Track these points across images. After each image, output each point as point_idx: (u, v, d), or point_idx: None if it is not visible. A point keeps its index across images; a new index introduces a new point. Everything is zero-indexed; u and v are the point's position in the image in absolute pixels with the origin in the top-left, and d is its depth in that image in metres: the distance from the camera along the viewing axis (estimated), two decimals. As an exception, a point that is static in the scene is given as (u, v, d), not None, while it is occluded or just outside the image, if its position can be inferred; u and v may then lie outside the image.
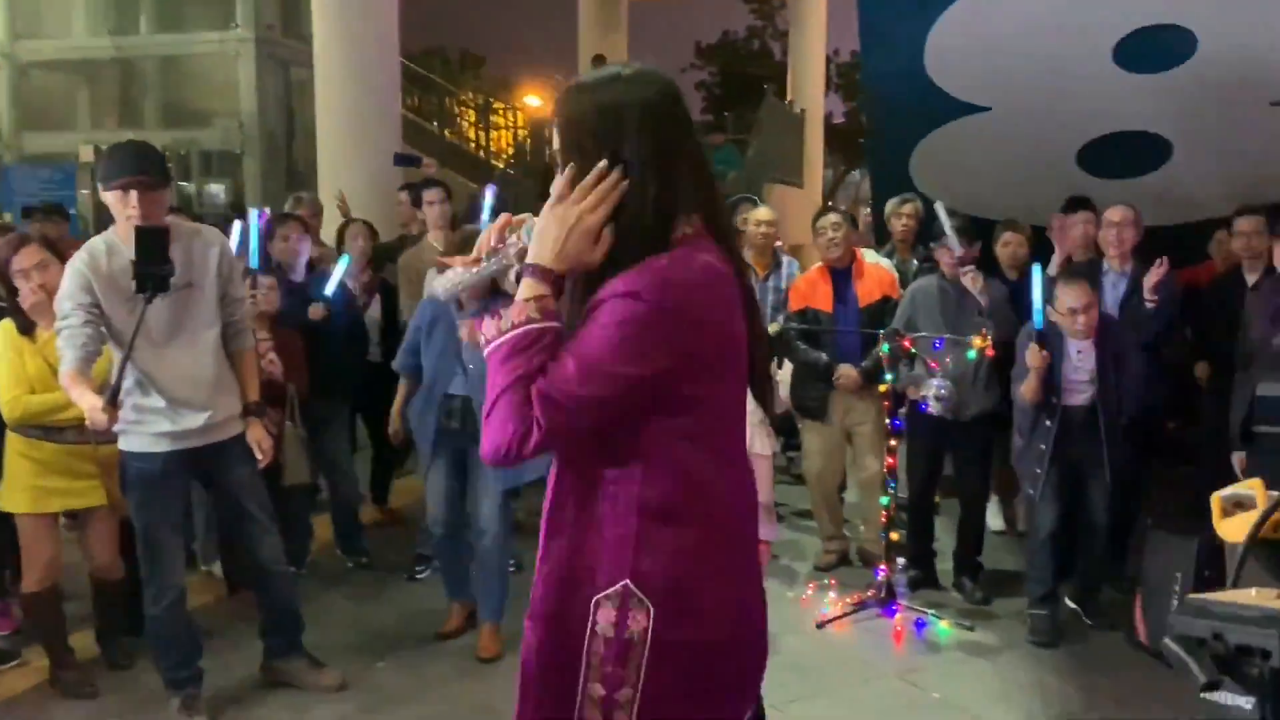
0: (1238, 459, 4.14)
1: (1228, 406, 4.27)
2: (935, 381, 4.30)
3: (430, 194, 5.16)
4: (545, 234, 1.59)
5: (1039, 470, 4.21)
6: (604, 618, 1.60)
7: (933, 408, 4.32)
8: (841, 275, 4.96)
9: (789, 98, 15.25)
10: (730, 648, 1.70)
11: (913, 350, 4.37)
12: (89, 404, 2.91)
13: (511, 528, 4.25)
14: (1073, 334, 4.11)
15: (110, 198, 3.14)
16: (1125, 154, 6.52)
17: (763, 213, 5.92)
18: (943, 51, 6.38)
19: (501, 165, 17.29)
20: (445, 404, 4.05)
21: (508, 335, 1.56)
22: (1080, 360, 4.15)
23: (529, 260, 1.61)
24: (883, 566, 4.49)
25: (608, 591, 1.60)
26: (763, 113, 13.15)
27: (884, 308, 4.83)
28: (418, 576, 4.94)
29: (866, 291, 4.92)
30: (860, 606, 4.44)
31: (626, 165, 1.59)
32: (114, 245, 3.22)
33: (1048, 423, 4.17)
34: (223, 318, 3.39)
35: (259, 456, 3.44)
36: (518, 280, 1.67)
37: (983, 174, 6.79)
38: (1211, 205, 6.20)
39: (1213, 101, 6.10)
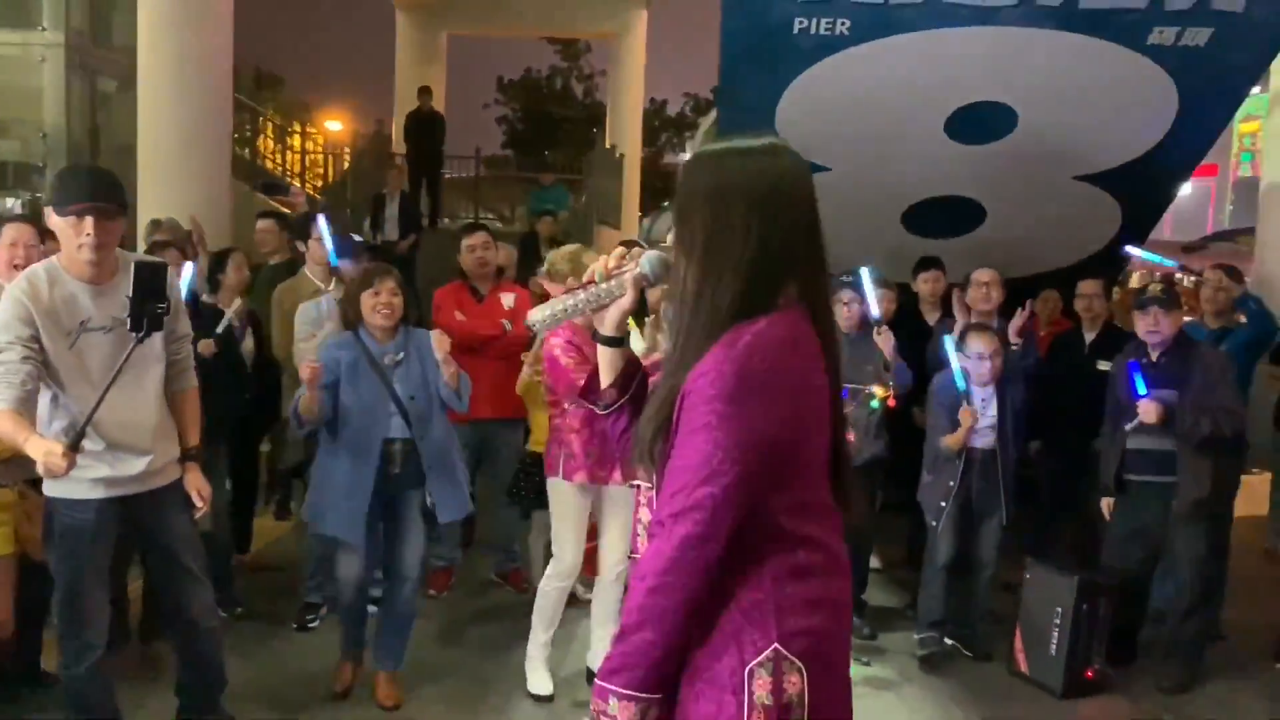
0: (1106, 504, 4.62)
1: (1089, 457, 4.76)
2: (842, 428, 4.55)
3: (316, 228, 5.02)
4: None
5: (943, 504, 4.54)
6: (760, 686, 1.62)
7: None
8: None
9: (608, 141, 15.59)
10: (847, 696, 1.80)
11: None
12: (43, 449, 2.67)
13: (424, 577, 4.16)
14: (979, 379, 4.49)
15: (61, 223, 2.91)
16: (944, 216, 7.11)
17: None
18: (793, 113, 6.77)
19: (299, 186, 16.74)
20: (385, 450, 3.89)
21: None
22: (983, 406, 4.52)
23: None
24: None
25: (760, 659, 1.62)
26: (594, 156, 13.40)
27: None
28: (309, 626, 4.73)
29: None
30: (764, 646, 4.60)
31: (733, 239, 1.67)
32: (56, 274, 2.97)
33: (956, 461, 4.51)
34: (166, 355, 3.20)
35: (199, 505, 3.24)
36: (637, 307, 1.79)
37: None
38: (1018, 266, 6.76)
39: (1023, 173, 6.75)
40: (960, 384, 4.49)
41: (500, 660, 4.48)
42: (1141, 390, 4.27)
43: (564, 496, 4.06)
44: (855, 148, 6.75)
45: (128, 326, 2.79)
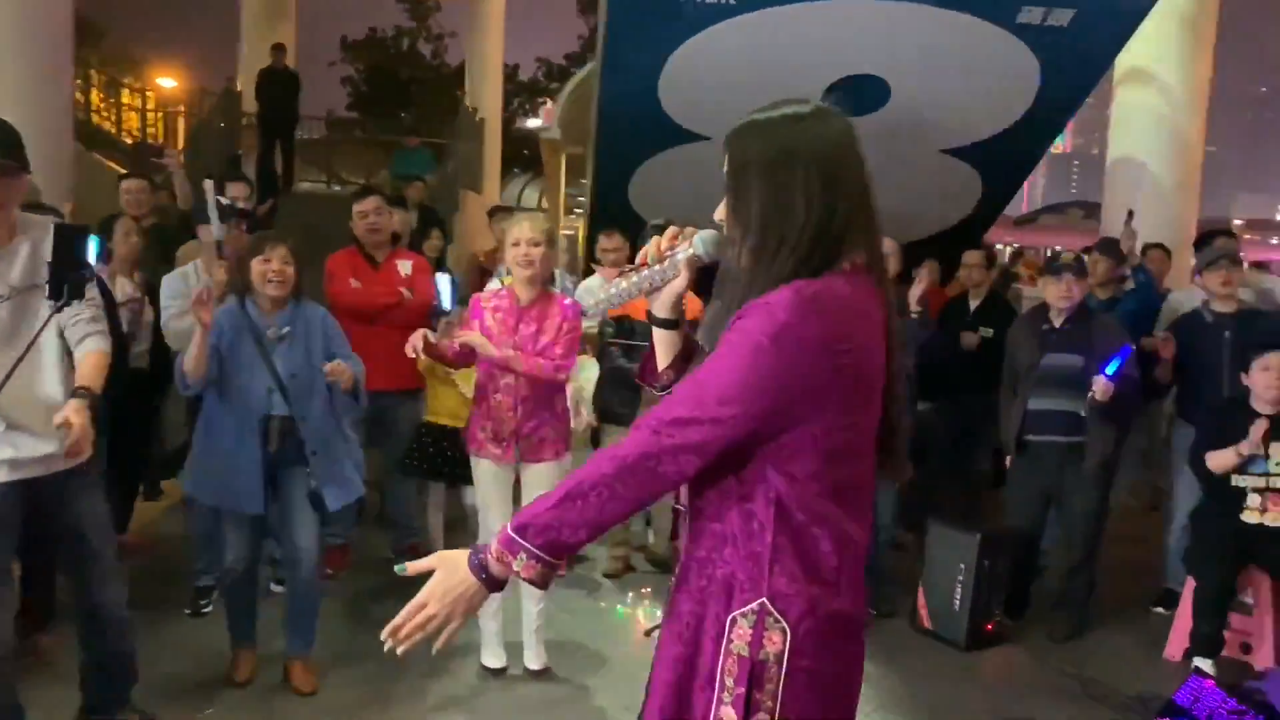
0: (1009, 463, 4.83)
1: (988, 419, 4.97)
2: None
3: (236, 188, 4.71)
4: None
5: None
6: (738, 635, 1.61)
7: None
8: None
9: (469, 104, 15.23)
10: (857, 665, 1.80)
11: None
12: None
13: (322, 557, 4.01)
14: None
15: (-48, 183, 2.63)
16: None
17: (529, 227, 5.94)
18: (676, 80, 6.81)
19: (132, 144, 15.75)
20: (264, 427, 3.70)
21: None
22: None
23: None
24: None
25: (743, 609, 1.61)
26: (460, 120, 13.07)
27: (695, 322, 5.11)
28: (203, 611, 4.49)
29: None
30: (680, 611, 4.64)
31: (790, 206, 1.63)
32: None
33: None
34: (72, 325, 2.94)
35: (66, 441, 2.79)
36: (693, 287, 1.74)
37: (693, 197, 7.23)
38: (886, 233, 6.99)
39: (894, 145, 6.96)
40: None
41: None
42: (1111, 370, 4.36)
43: (481, 472, 4.02)
44: (734, 118, 6.80)
45: (46, 294, 2.55)
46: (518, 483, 4.05)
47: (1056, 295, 4.63)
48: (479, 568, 1.60)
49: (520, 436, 3.91)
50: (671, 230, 1.76)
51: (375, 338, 4.66)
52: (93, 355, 2.97)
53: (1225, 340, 4.76)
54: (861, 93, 6.81)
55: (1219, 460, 4.23)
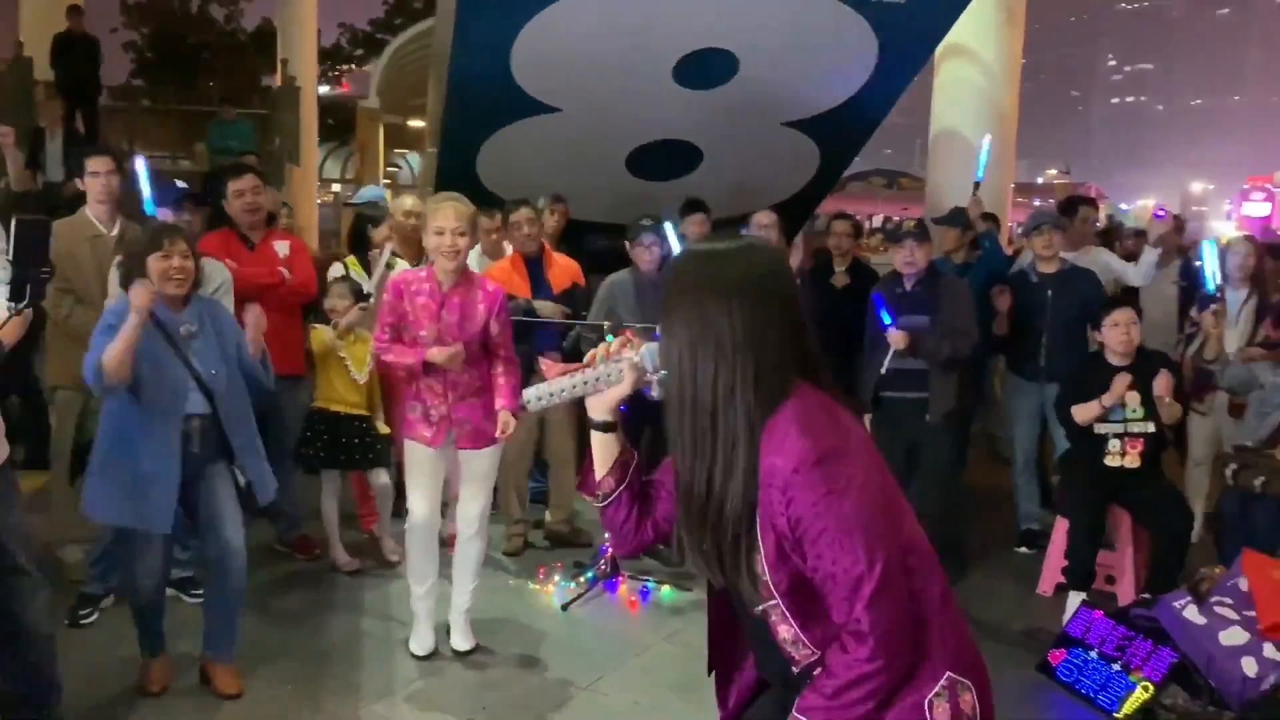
0: (867, 419, 5.10)
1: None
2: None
3: (98, 162, 4.34)
4: None
5: None
6: (940, 714, 1.66)
7: (656, 392, 4.68)
8: (534, 264, 5.19)
9: (280, 73, 14.53)
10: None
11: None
12: None
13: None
14: None
15: None
16: (665, 159, 7.42)
17: (411, 203, 5.82)
18: (528, 53, 6.77)
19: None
20: (185, 426, 3.52)
21: None
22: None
23: None
24: (607, 543, 4.79)
25: (936, 690, 1.67)
26: (280, 90, 12.47)
27: (574, 294, 5.15)
28: (83, 622, 4.21)
29: (558, 279, 5.20)
30: (593, 584, 4.70)
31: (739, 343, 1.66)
32: None
33: None
34: None
35: None
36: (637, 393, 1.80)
37: (542, 170, 7.28)
38: (727, 207, 7.15)
39: (740, 118, 7.17)
40: None
41: (323, 632, 4.26)
42: (886, 320, 4.70)
43: (413, 454, 3.99)
44: (587, 90, 6.84)
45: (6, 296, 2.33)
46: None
47: (901, 261, 4.93)
48: None
49: (453, 422, 3.87)
50: (621, 339, 1.80)
51: (256, 322, 4.47)
52: None
53: (1048, 299, 5.21)
54: (712, 66, 6.95)
55: (1085, 413, 4.61)
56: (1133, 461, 4.60)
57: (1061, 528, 4.79)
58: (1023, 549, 5.43)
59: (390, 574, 4.89)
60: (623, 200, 7.35)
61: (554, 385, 1.79)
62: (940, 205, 9.38)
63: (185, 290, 3.52)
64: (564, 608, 4.53)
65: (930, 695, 1.66)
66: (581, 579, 4.76)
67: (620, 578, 4.76)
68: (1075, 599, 4.50)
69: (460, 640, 4.07)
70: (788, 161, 8.22)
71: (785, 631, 1.70)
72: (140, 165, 4.61)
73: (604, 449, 1.86)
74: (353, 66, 24.83)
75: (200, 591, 4.42)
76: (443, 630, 4.11)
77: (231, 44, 26.89)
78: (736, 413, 1.64)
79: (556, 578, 4.82)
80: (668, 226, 5.17)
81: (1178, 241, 6.95)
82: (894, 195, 25.75)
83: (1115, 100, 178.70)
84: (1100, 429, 4.65)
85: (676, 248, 5.03)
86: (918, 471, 5.01)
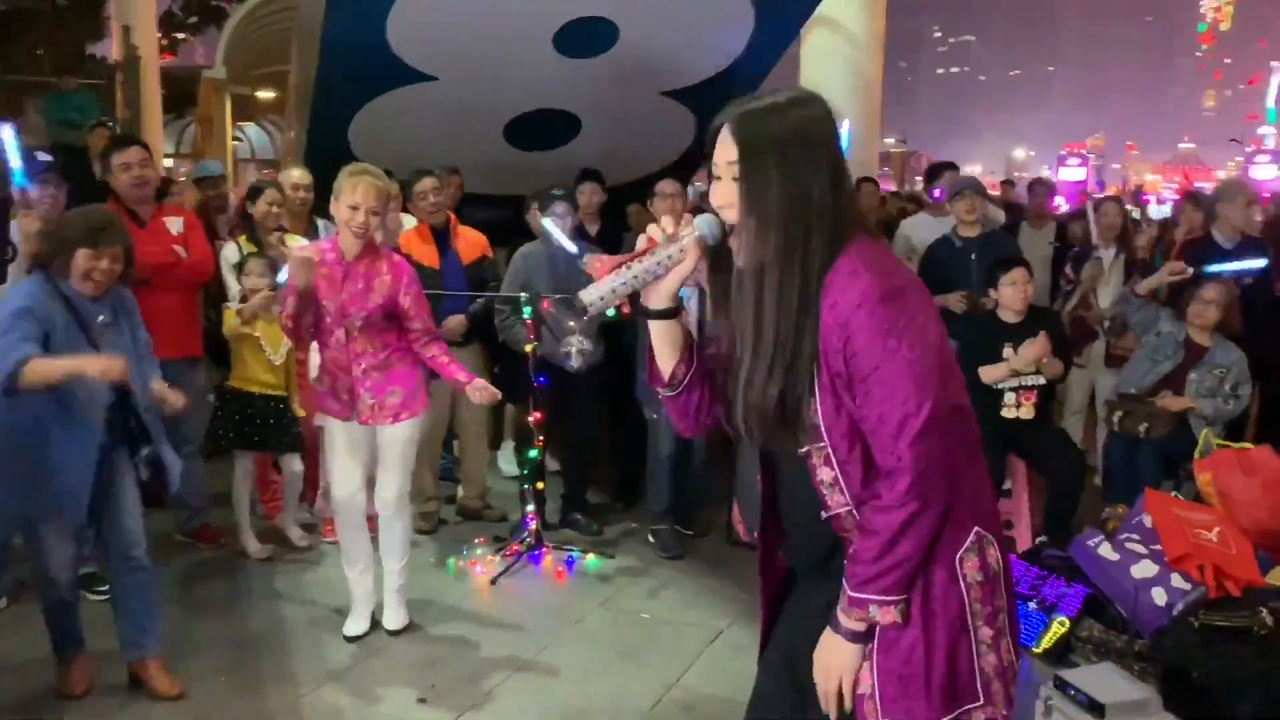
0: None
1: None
2: (575, 338, 4.69)
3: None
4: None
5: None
6: (972, 568, 1.73)
7: (575, 363, 4.70)
8: (441, 235, 5.11)
9: (122, 41, 13.65)
10: None
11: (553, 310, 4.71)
12: None
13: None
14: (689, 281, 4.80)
15: None
16: (543, 129, 7.40)
17: (299, 175, 5.63)
18: (405, 20, 6.62)
19: None
20: (106, 416, 3.36)
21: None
22: (688, 303, 4.86)
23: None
24: (531, 515, 4.77)
25: (966, 545, 1.73)
26: (125, 55, 11.72)
27: (481, 265, 5.09)
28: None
29: (466, 251, 5.13)
30: (518, 557, 4.68)
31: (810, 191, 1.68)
32: None
33: None
34: None
35: None
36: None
37: (417, 140, 7.18)
38: (606, 175, 7.18)
39: (619, 87, 7.20)
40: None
41: (245, 621, 4.13)
42: None
43: (330, 432, 3.92)
44: (466, 59, 6.74)
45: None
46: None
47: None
48: (848, 633, 1.74)
49: (357, 396, 3.78)
50: (670, 215, 1.77)
51: (153, 303, 4.24)
52: None
53: (972, 262, 5.43)
54: (592, 34, 6.92)
55: (993, 373, 4.81)
56: (1027, 413, 4.86)
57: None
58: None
59: (304, 559, 4.77)
60: (500, 171, 7.28)
61: (614, 281, 1.68)
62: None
63: (101, 291, 3.35)
64: (492, 582, 4.50)
65: (960, 551, 1.72)
66: (505, 553, 4.73)
67: (544, 549, 4.75)
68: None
69: (393, 620, 4.01)
70: (666, 131, 8.26)
71: (826, 474, 1.73)
72: (8, 134, 4.28)
73: (670, 337, 1.81)
74: (187, 36, 23.51)
75: (105, 588, 4.22)
76: (376, 612, 4.04)
77: (48, 10, 25.04)
78: (808, 260, 1.67)
79: (480, 553, 4.78)
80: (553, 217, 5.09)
81: (1049, 205, 7.34)
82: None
83: (941, 71, 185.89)
84: (997, 384, 4.89)
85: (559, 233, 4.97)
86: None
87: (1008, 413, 4.87)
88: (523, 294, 4.66)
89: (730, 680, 3.66)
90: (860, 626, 1.72)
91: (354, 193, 3.68)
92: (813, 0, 7.85)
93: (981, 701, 1.74)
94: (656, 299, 1.76)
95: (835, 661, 1.76)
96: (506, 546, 4.81)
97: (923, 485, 1.63)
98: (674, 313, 1.79)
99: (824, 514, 1.76)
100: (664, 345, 1.81)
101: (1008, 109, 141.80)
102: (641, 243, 1.75)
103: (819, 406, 1.70)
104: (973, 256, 5.45)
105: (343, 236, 3.79)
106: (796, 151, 1.68)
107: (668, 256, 1.70)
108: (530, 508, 4.78)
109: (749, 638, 3.95)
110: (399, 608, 4.02)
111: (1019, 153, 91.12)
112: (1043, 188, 7.47)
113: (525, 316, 4.66)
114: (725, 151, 1.71)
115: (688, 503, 5.13)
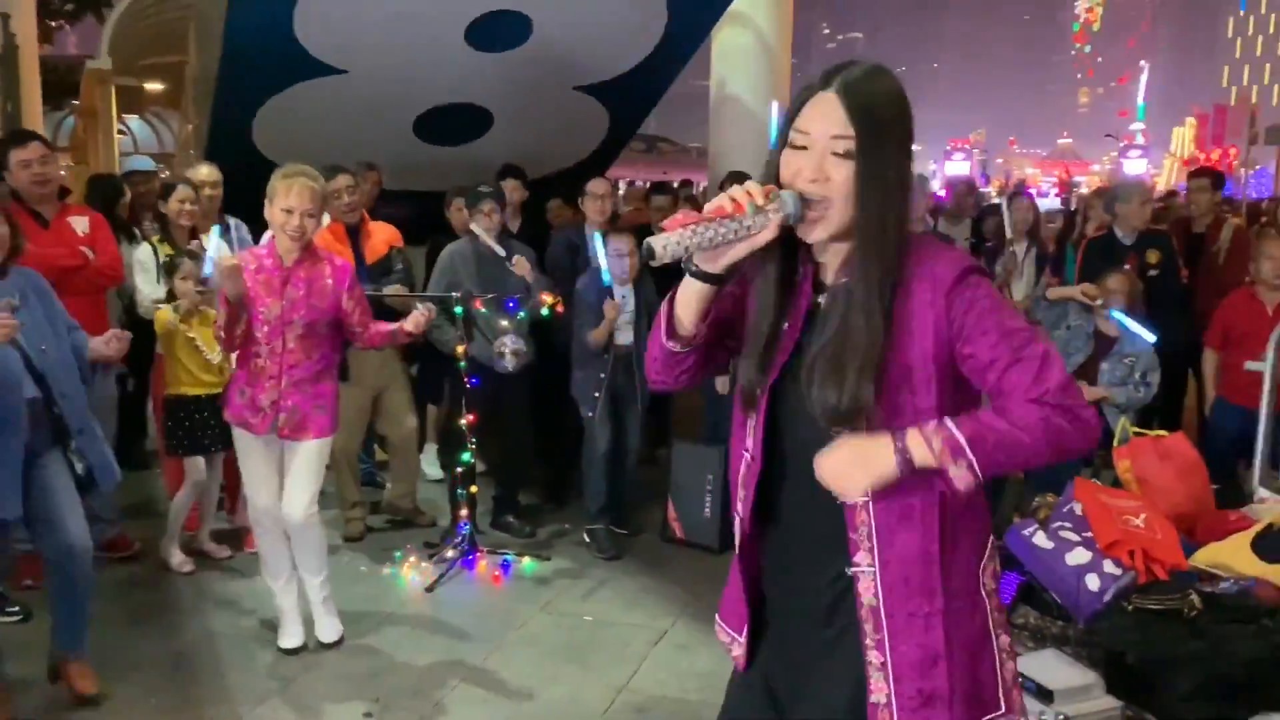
0: (721, 382, 5.25)
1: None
2: (508, 338, 4.61)
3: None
4: (851, 475, 1.61)
5: (596, 395, 4.82)
6: (990, 576, 1.73)
7: (508, 363, 4.62)
8: (354, 234, 4.99)
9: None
10: None
11: (484, 310, 4.62)
12: None
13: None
14: (620, 277, 4.78)
15: None
16: (454, 124, 7.34)
17: (207, 172, 5.42)
18: (313, 12, 6.47)
19: None
20: (30, 410, 3.21)
21: (969, 465, 1.57)
22: (624, 303, 4.83)
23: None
24: (465, 520, 4.68)
25: (988, 553, 1.72)
26: (4, 44, 11.08)
27: (388, 257, 4.97)
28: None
29: (374, 248, 5.01)
30: (453, 562, 4.59)
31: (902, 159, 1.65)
32: None
33: (605, 355, 4.79)
34: None
35: None
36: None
37: (324, 135, 7.05)
38: (528, 168, 7.13)
39: (532, 82, 7.18)
40: (607, 280, 4.77)
41: (174, 637, 3.96)
42: None
43: (241, 442, 3.79)
44: (375, 51, 6.63)
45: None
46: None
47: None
48: (903, 450, 1.57)
49: (280, 409, 3.66)
50: (764, 187, 1.65)
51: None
52: None
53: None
54: (505, 28, 6.85)
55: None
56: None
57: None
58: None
59: (228, 571, 4.60)
60: (410, 166, 7.18)
61: (687, 235, 1.58)
62: (726, 167, 9.67)
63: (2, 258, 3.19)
64: (428, 589, 4.41)
65: (984, 560, 1.72)
66: (438, 558, 4.64)
67: (479, 553, 4.67)
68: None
69: (326, 632, 3.89)
70: (578, 126, 8.25)
71: None
72: None
73: (706, 300, 1.71)
74: (62, 24, 22.47)
75: (15, 609, 4.03)
76: (307, 625, 3.91)
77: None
78: (900, 239, 1.63)
79: (412, 559, 4.68)
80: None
81: (970, 201, 7.51)
82: (654, 160, 26.29)
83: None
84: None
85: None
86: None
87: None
88: (454, 294, 4.56)
89: (679, 680, 3.66)
90: (924, 459, 1.57)
91: (288, 196, 3.55)
92: (721, 5, 7.93)
93: (1004, 710, 1.71)
94: (715, 262, 1.66)
95: (870, 465, 1.59)
96: (440, 552, 4.72)
97: (1057, 423, 1.58)
98: (724, 280, 1.72)
99: (842, 501, 1.67)
100: (697, 304, 1.71)
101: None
102: (713, 205, 1.64)
103: (885, 394, 1.63)
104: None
105: (279, 240, 3.66)
106: (905, 127, 1.65)
107: (747, 226, 1.61)
108: (464, 511, 4.69)
109: (693, 636, 3.97)
110: (329, 617, 3.91)
111: (914, 146, 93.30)
112: (964, 186, 7.67)
113: (457, 316, 4.56)
114: (827, 124, 1.62)
115: (621, 502, 5.10)
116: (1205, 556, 3.91)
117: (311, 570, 3.87)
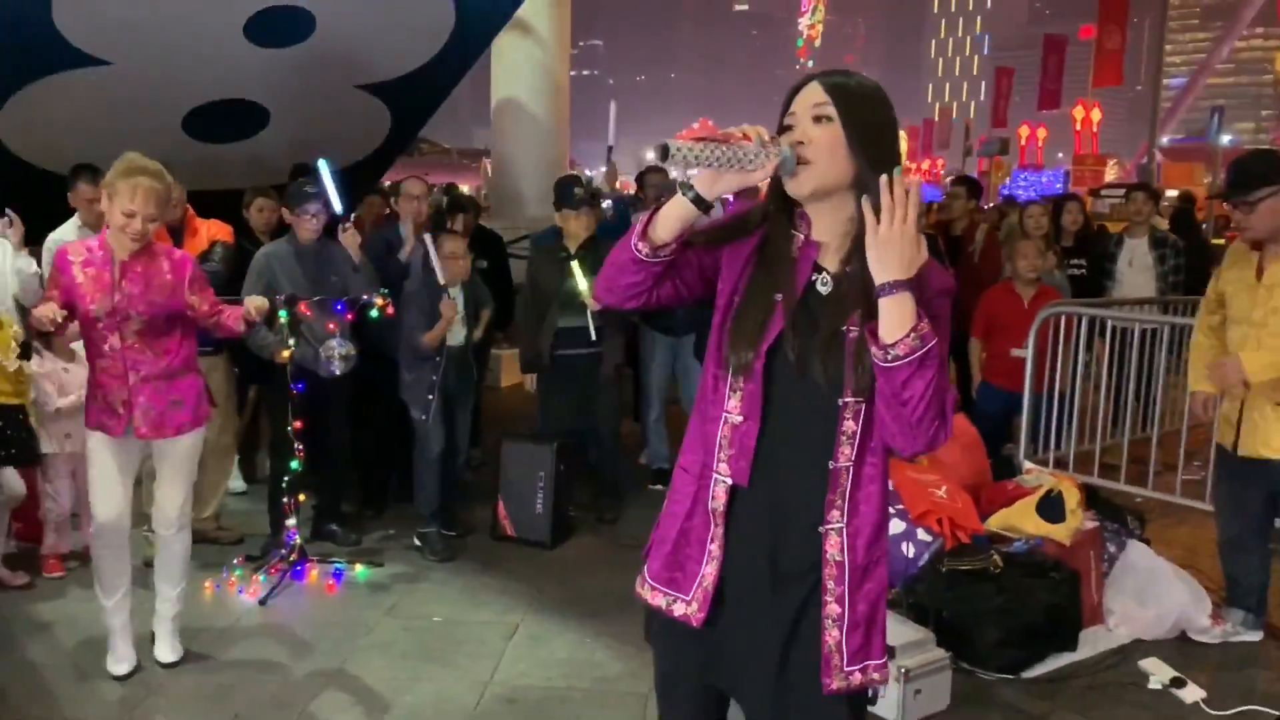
0: (529, 380, 5.37)
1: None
2: (335, 342, 4.52)
3: None
4: (902, 250, 1.71)
5: (430, 397, 4.80)
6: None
7: (336, 368, 4.53)
8: (175, 232, 4.76)
9: None
10: None
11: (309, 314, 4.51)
12: None
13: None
14: (450, 279, 4.79)
15: None
16: (228, 120, 7.14)
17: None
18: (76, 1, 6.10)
19: None
20: None
21: (923, 349, 1.71)
22: (456, 303, 4.84)
23: (896, 280, 1.71)
24: (294, 530, 4.55)
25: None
26: None
27: (210, 253, 4.78)
28: None
29: (196, 246, 4.80)
30: (283, 574, 4.45)
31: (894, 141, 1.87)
32: None
33: (437, 358, 4.78)
34: None
35: None
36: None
37: (78, 131, 6.72)
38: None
39: (312, 79, 7.10)
40: (441, 281, 4.78)
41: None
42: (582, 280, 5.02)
43: (94, 449, 3.57)
44: (144, 43, 6.36)
45: None
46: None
47: (578, 227, 5.22)
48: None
49: (134, 408, 3.48)
50: (767, 136, 1.80)
51: None
52: None
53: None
54: (287, 24, 6.68)
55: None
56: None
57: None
58: (658, 485, 5.97)
59: (33, 596, 4.26)
60: (178, 164, 6.84)
61: (701, 149, 1.71)
62: (507, 175, 9.79)
63: None
64: (262, 602, 4.26)
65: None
66: (268, 570, 4.49)
67: (309, 563, 4.56)
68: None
69: (167, 651, 3.72)
70: (359, 125, 8.12)
71: (849, 426, 1.84)
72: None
73: (685, 222, 1.83)
74: None
75: None
76: (141, 645, 3.72)
77: None
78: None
79: (240, 573, 4.50)
80: (322, 165, 4.98)
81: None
82: (414, 162, 25.80)
83: (574, 73, 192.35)
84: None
85: (334, 194, 4.87)
86: (591, 421, 5.36)
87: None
88: (279, 297, 4.42)
89: (541, 669, 3.76)
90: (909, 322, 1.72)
91: (131, 198, 3.37)
92: (512, 2, 8.03)
93: (882, 660, 1.93)
94: (710, 187, 1.79)
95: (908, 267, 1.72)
96: (265, 564, 4.56)
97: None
98: (709, 208, 1.85)
99: (831, 464, 1.85)
100: (678, 224, 1.83)
101: (634, 113, 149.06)
102: (727, 131, 1.78)
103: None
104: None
105: (116, 239, 3.47)
106: (881, 107, 1.85)
107: (749, 159, 1.74)
108: (292, 521, 4.56)
109: (546, 628, 4.09)
110: (173, 637, 3.74)
111: (650, 155, 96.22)
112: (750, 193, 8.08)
113: (282, 319, 4.42)
114: (808, 100, 1.82)
115: (450, 504, 5.10)
116: (998, 521, 4.41)
117: (172, 582, 3.73)
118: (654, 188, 6.88)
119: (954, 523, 4.25)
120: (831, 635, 1.89)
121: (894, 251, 1.71)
